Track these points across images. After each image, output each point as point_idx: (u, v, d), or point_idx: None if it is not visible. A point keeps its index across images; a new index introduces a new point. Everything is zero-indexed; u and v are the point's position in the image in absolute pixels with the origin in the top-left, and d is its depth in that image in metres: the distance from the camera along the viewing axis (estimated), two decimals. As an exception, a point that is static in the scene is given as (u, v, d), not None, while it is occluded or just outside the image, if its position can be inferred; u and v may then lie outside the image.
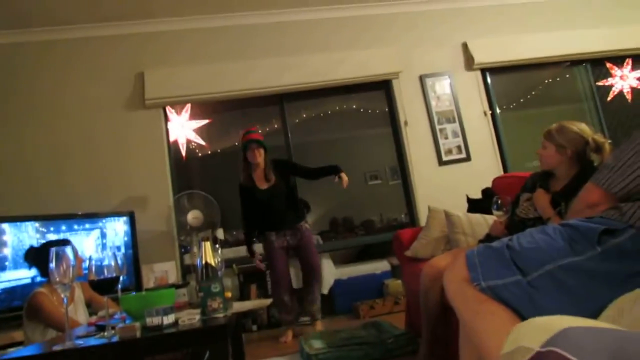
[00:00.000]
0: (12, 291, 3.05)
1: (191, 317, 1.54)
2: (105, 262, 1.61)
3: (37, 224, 3.27)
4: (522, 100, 6.62)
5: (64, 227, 3.39)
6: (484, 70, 4.75)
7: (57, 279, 1.43)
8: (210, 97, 4.40)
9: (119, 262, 1.65)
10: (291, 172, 3.78)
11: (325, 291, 4.47)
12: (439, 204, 4.24)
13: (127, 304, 1.69)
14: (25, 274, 3.07)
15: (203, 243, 1.71)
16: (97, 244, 3.53)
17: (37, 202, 3.85)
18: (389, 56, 4.60)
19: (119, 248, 3.64)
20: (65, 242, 2.55)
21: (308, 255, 3.70)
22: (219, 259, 2.01)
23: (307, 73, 4.44)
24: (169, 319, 1.51)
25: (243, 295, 4.23)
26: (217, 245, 2.00)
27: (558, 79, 5.75)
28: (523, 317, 1.22)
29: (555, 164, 2.13)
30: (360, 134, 7.74)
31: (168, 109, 4.46)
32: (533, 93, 6.53)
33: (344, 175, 3.65)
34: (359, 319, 3.99)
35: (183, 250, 4.22)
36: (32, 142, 4.05)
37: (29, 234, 3.21)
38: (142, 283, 3.61)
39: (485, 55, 4.67)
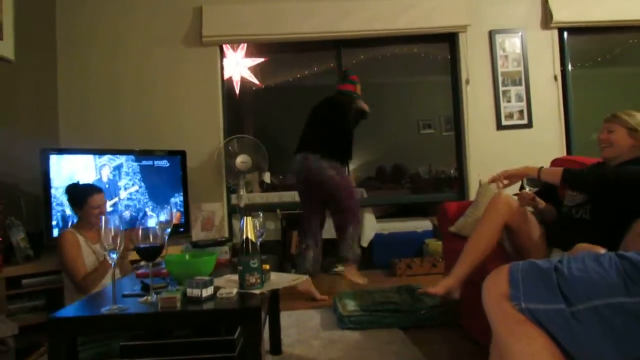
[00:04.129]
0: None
1: (229, 292, 1.60)
2: (152, 224, 1.67)
3: (94, 157, 3.41)
4: (599, 59, 6.09)
5: (121, 161, 3.53)
6: (561, 30, 4.33)
7: (106, 246, 1.50)
8: (267, 38, 4.29)
9: (166, 234, 1.73)
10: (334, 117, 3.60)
11: (365, 244, 4.53)
12: (492, 169, 4.11)
13: (171, 267, 1.77)
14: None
15: (245, 218, 1.73)
16: (148, 179, 3.67)
17: (92, 133, 4.02)
18: (457, 7, 4.26)
19: (170, 185, 3.78)
20: (95, 187, 2.66)
21: (332, 193, 3.45)
22: (259, 225, 2.03)
23: (366, 20, 4.21)
24: (207, 292, 1.57)
25: (284, 241, 4.35)
26: (261, 214, 2.02)
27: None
28: (561, 347, 1.18)
29: (626, 148, 2.00)
30: (417, 80, 7.45)
31: (225, 45, 4.42)
32: (614, 52, 5.97)
33: None
34: (395, 277, 4.05)
35: (231, 186, 4.33)
36: (93, 72, 4.15)
37: (86, 166, 3.36)
38: (190, 222, 3.77)
39: (566, 12, 4.22)
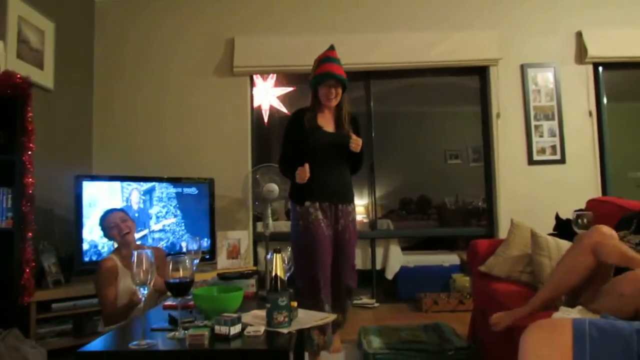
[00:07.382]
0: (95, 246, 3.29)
1: (256, 330, 1.58)
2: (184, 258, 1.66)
3: (121, 183, 3.46)
4: (636, 94, 5.94)
5: (153, 184, 3.58)
6: (596, 65, 4.26)
7: (137, 280, 1.50)
8: (296, 69, 4.34)
9: (194, 265, 1.72)
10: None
11: (390, 277, 4.46)
12: (523, 204, 4.03)
13: (200, 301, 1.76)
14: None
15: (274, 255, 1.72)
16: (176, 207, 3.71)
17: (123, 160, 4.13)
18: (488, 40, 4.25)
19: (197, 213, 3.81)
20: (111, 209, 2.67)
21: (343, 265, 2.79)
22: (286, 260, 2.02)
23: (396, 52, 4.23)
24: (235, 329, 1.56)
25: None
26: (289, 248, 2.02)
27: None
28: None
29: None
30: (445, 110, 7.40)
31: (254, 75, 4.50)
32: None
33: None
34: (421, 312, 3.96)
35: (258, 214, 4.33)
36: (127, 102, 4.28)
37: (113, 191, 3.41)
38: (216, 250, 3.77)
39: (601, 48, 4.16)
